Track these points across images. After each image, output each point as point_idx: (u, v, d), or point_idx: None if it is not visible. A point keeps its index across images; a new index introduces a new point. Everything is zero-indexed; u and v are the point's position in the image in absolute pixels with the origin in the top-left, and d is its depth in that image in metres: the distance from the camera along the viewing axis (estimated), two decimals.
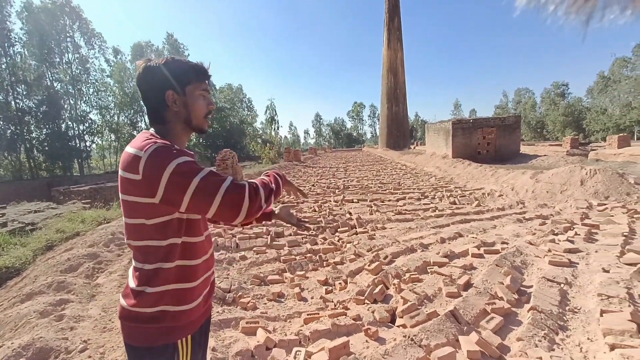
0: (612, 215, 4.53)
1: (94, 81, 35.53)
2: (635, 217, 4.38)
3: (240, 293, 2.83)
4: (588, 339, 1.98)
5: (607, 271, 2.75)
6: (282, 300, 2.80)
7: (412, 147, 32.61)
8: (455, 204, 6.14)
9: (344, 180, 10.42)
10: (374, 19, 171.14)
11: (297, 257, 3.67)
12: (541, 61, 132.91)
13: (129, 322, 0.92)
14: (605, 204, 5.18)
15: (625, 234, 3.65)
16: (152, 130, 0.97)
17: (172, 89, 0.93)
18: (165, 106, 0.94)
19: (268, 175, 1.05)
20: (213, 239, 1.21)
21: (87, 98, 35.04)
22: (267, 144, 24.22)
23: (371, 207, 6.05)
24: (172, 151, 0.83)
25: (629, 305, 2.15)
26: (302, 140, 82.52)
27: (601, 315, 2.12)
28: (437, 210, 5.56)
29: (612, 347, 1.82)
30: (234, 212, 0.84)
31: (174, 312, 0.92)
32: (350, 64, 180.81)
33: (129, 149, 0.85)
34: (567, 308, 2.31)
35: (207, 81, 1.00)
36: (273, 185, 1.00)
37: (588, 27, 0.92)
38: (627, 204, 5.10)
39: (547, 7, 0.97)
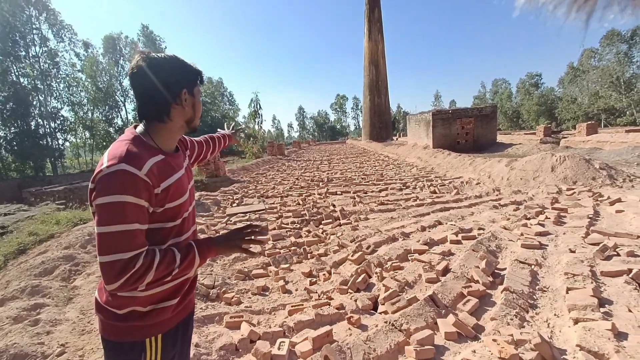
0: (579, 199, 4.79)
1: (64, 76, 33.67)
2: (600, 200, 4.66)
3: (224, 289, 2.82)
4: (555, 314, 2.11)
5: (573, 251, 2.93)
6: (267, 293, 2.83)
7: (395, 138, 33.01)
8: (435, 193, 6.31)
9: (328, 173, 10.47)
10: (355, 11, 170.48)
11: (282, 251, 3.69)
12: (517, 52, 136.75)
13: (101, 316, 0.94)
14: (573, 189, 5.47)
15: (590, 216, 3.89)
16: (140, 126, 0.96)
17: (186, 88, 0.95)
18: (174, 104, 0.94)
19: (188, 254, 0.92)
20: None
21: (57, 94, 33.17)
22: (251, 139, 23.79)
23: (354, 198, 6.13)
24: (122, 182, 0.80)
25: (592, 282, 2.31)
26: (285, 134, 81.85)
27: (567, 293, 2.26)
28: (418, 200, 5.70)
29: (576, 321, 1.96)
30: (105, 280, 0.80)
31: (142, 313, 0.93)
32: (333, 56, 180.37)
33: (105, 155, 0.85)
34: (537, 287, 2.45)
35: None
36: (176, 269, 0.89)
37: (588, 27, 0.92)
38: (592, 188, 5.41)
39: (546, 7, 0.96)
